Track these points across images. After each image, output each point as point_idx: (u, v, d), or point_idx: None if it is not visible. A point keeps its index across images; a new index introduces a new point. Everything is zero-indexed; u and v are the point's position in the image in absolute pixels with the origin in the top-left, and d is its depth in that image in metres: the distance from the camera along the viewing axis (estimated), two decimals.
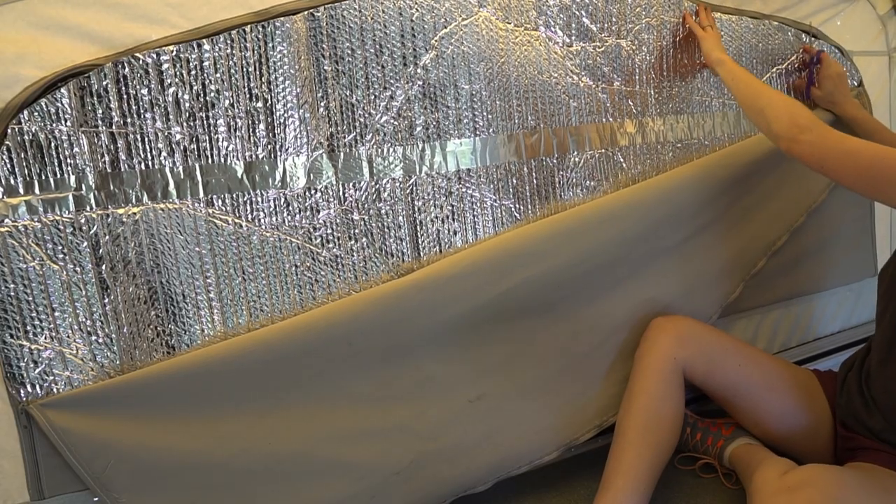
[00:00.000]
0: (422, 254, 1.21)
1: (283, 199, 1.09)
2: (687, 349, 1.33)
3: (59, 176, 0.95)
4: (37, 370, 0.97)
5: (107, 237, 0.99)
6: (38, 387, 0.98)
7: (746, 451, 1.34)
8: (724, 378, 1.34)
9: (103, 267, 0.99)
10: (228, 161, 1.05)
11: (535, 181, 1.29)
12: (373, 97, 1.12)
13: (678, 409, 1.30)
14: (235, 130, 1.04)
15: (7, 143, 0.91)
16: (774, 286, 1.67)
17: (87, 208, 0.97)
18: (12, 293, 0.94)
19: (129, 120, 0.97)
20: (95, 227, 0.98)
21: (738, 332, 1.67)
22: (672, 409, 1.29)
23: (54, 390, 0.99)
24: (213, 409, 1.08)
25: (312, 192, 1.11)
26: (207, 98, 1.01)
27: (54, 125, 0.93)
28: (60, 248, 0.96)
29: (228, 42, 1.01)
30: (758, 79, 1.29)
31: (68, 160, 0.95)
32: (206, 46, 1.00)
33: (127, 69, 0.96)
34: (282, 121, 1.07)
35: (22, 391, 0.97)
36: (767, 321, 1.70)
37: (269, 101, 1.05)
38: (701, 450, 1.44)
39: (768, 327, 1.71)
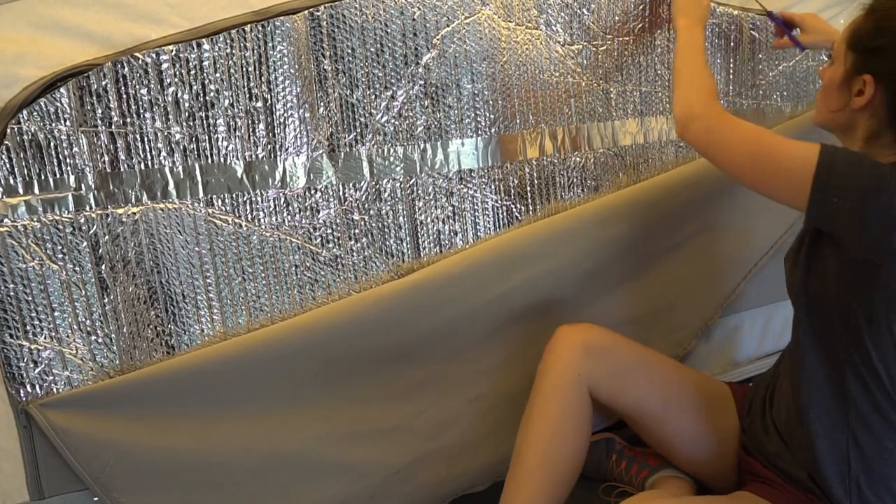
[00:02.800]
0: (422, 254, 1.21)
1: (283, 199, 1.09)
2: (592, 363, 1.19)
3: (58, 176, 0.94)
4: (36, 370, 0.97)
5: (106, 237, 0.99)
6: (37, 387, 0.98)
7: (666, 485, 1.26)
8: (632, 397, 1.22)
9: (103, 267, 0.99)
10: (228, 161, 1.04)
11: (536, 181, 1.29)
12: (373, 97, 1.12)
13: (582, 432, 1.19)
14: (235, 130, 1.04)
15: (6, 142, 0.90)
16: (779, 285, 1.66)
17: (87, 208, 0.97)
18: (12, 293, 0.94)
19: (128, 120, 0.97)
20: (95, 226, 0.98)
21: (744, 331, 1.67)
22: (575, 434, 1.18)
23: (54, 390, 0.99)
24: (212, 409, 1.08)
25: (312, 192, 1.11)
26: (207, 98, 1.01)
27: (54, 125, 0.92)
28: (60, 247, 0.96)
29: (228, 42, 1.00)
30: (700, 56, 1.18)
31: (68, 160, 0.94)
32: (206, 46, 0.99)
33: (126, 69, 0.95)
34: (282, 120, 1.06)
35: (22, 391, 0.97)
36: (776, 319, 1.70)
37: (269, 101, 1.05)
38: (625, 479, 1.33)
39: (777, 325, 1.70)
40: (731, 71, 1.49)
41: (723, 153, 1.04)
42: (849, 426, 1.00)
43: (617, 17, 1.32)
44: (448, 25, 1.15)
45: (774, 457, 1.11)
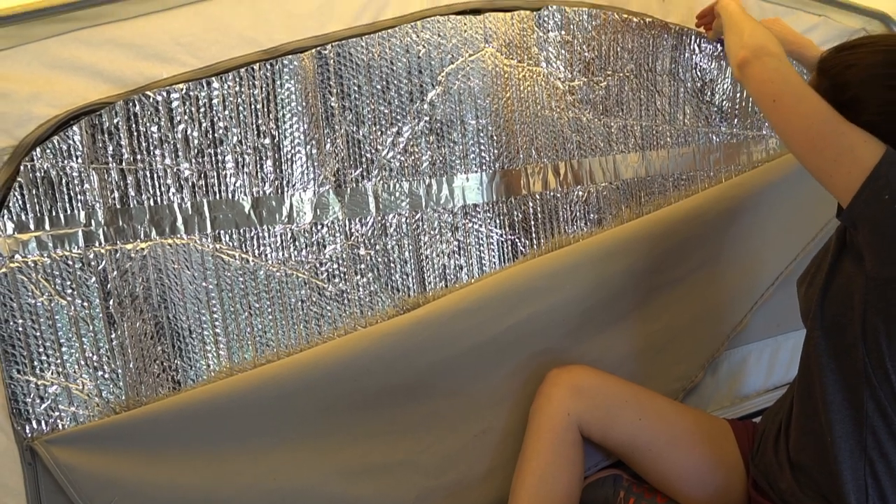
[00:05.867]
0: (428, 289, 1.21)
1: (289, 235, 1.10)
2: (581, 402, 1.22)
3: (69, 212, 0.95)
4: (42, 406, 0.97)
5: (115, 272, 0.99)
6: (43, 423, 0.97)
7: None
8: (623, 433, 1.24)
9: (111, 302, 1.00)
10: (236, 197, 1.05)
11: (539, 215, 1.30)
12: (379, 133, 1.13)
13: (574, 472, 1.22)
14: (243, 166, 1.05)
15: (19, 179, 0.92)
16: (785, 316, 1.66)
17: (96, 244, 0.98)
18: (20, 328, 0.95)
19: (138, 156, 0.98)
20: (104, 262, 0.98)
21: (751, 363, 1.66)
22: (567, 473, 1.20)
23: (59, 426, 0.98)
24: (218, 446, 1.07)
25: (319, 227, 1.12)
26: (216, 135, 1.03)
27: (66, 162, 0.94)
28: (69, 283, 0.97)
29: (237, 80, 1.02)
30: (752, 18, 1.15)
31: (79, 196, 0.96)
32: (216, 84, 1.01)
33: (137, 107, 0.97)
34: (289, 157, 1.08)
35: (27, 427, 0.97)
36: (783, 350, 1.69)
37: (277, 138, 1.06)
38: None
39: (785, 356, 1.69)
40: (725, 94, 1.51)
41: (788, 105, 0.97)
42: (866, 453, 0.99)
43: (616, 54, 1.34)
44: (452, 63, 1.18)
45: (788, 494, 1.09)
